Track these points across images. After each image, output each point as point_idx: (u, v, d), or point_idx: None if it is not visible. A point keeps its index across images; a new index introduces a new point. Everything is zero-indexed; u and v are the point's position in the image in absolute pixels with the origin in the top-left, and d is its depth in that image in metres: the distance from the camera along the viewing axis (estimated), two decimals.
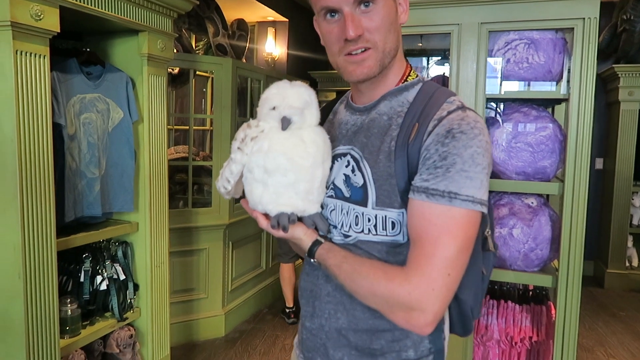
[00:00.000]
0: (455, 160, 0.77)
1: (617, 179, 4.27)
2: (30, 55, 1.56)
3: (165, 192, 2.25)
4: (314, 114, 0.89)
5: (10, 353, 1.63)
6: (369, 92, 0.94)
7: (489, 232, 0.98)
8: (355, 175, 0.91)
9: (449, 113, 0.82)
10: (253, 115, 3.85)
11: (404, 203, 0.84)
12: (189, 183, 3.18)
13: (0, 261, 1.60)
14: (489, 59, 1.93)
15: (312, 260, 0.93)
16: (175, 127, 3.93)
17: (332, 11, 0.86)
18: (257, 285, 3.81)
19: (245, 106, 3.60)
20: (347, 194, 0.92)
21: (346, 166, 0.93)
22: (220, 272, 3.28)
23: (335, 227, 0.94)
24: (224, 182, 0.94)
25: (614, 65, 4.14)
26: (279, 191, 0.87)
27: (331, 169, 0.94)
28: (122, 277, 2.09)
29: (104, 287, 2.02)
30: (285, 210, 0.89)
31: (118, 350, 2.10)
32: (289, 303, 3.52)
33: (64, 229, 1.84)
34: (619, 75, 4.11)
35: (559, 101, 2.15)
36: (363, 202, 0.89)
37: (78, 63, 1.90)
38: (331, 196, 0.95)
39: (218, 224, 3.21)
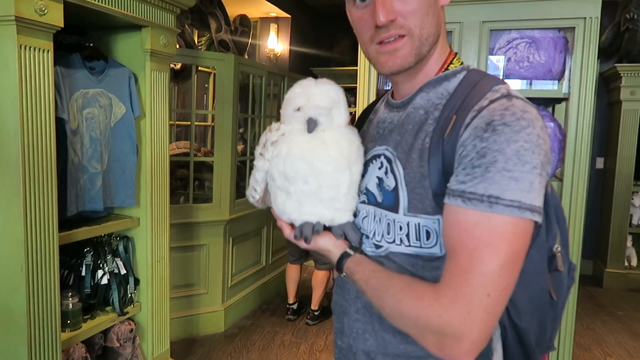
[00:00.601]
0: (496, 158, 0.65)
1: (617, 178, 4.28)
2: (34, 50, 1.56)
3: (166, 188, 2.26)
4: (343, 113, 0.83)
5: (12, 345, 1.64)
6: (406, 84, 0.84)
7: (559, 249, 0.81)
8: (387, 177, 0.80)
9: (491, 102, 0.70)
10: (255, 111, 3.86)
11: (440, 209, 0.72)
12: (190, 179, 3.19)
13: (3, 255, 1.61)
14: (491, 57, 1.94)
15: (341, 274, 0.84)
16: (176, 122, 3.94)
17: None
18: (257, 281, 3.83)
19: (247, 102, 3.61)
20: (379, 199, 0.82)
21: (379, 168, 0.83)
22: (221, 268, 3.30)
23: (367, 236, 0.84)
24: (251, 192, 0.89)
25: (616, 65, 4.14)
26: (302, 200, 0.81)
27: (365, 172, 0.85)
28: (123, 271, 2.10)
29: (105, 281, 2.03)
30: (310, 220, 0.82)
31: (118, 344, 2.12)
32: (290, 299, 3.54)
33: (65, 223, 1.85)
34: (621, 75, 4.11)
35: (559, 100, 2.16)
36: (394, 208, 0.79)
37: (81, 58, 1.91)
38: (364, 202, 0.85)
39: (219, 220, 3.22)
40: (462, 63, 0.83)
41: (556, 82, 2.01)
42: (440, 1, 0.80)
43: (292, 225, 0.86)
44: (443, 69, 0.82)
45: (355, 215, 0.86)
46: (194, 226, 3.14)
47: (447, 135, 0.72)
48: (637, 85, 4.12)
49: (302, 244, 0.85)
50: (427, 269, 0.76)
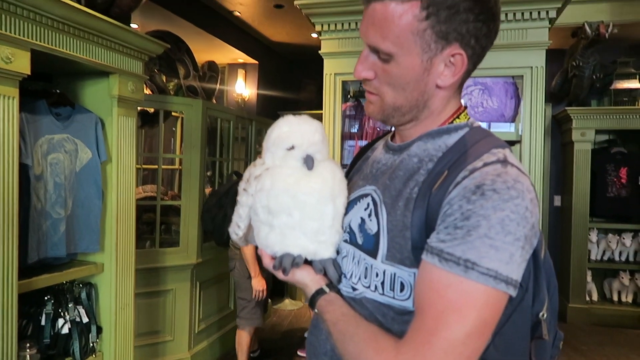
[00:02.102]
0: (480, 223, 0.64)
1: (574, 215, 4.45)
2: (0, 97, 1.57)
3: (132, 232, 2.23)
4: (327, 148, 0.84)
5: None
6: (408, 130, 0.83)
7: (544, 316, 0.79)
8: (370, 220, 0.80)
9: (485, 165, 0.68)
10: (222, 154, 3.88)
11: (417, 262, 0.70)
12: (156, 222, 3.16)
13: None
14: None
15: (313, 310, 0.83)
16: (143, 166, 3.92)
17: None
18: (225, 326, 3.74)
19: (215, 146, 3.64)
20: (360, 241, 0.81)
21: (365, 209, 0.82)
22: (187, 314, 3.22)
23: (345, 276, 0.83)
24: (234, 228, 0.88)
25: (566, 108, 4.39)
26: (285, 232, 0.80)
27: (351, 209, 0.84)
28: (85, 319, 2.04)
29: (65, 330, 1.96)
30: (292, 252, 0.81)
31: None
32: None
33: (26, 270, 1.80)
34: (572, 117, 4.36)
35: (513, 142, 2.28)
36: (373, 253, 0.78)
37: (47, 104, 1.92)
38: (345, 240, 0.84)
39: (185, 264, 3.17)
40: (468, 119, 0.82)
41: (513, 124, 2.13)
42: (437, 82, 0.77)
43: (272, 257, 0.85)
44: (449, 122, 0.80)
45: (337, 252, 0.85)
46: (160, 271, 3.08)
47: (435, 189, 0.71)
48: (586, 127, 4.36)
49: (279, 275, 0.84)
50: (396, 322, 0.75)
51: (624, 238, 4.43)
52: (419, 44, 0.73)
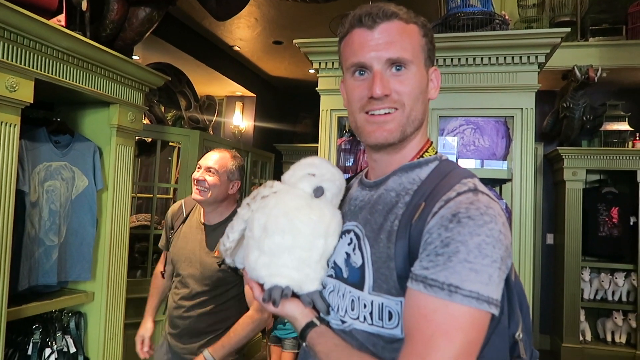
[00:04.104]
0: (458, 249, 0.68)
1: (566, 253, 4.46)
2: (1, 124, 1.59)
3: (124, 261, 2.23)
4: (338, 201, 0.91)
5: None
6: (383, 164, 0.89)
7: (520, 336, 0.83)
8: (355, 254, 0.83)
9: (458, 194, 0.73)
10: None
11: (403, 291, 0.74)
12: (149, 252, 3.14)
13: None
14: (447, 138, 2.10)
15: (303, 344, 0.85)
16: (138, 195, 3.93)
17: (362, 68, 0.84)
18: None
19: None
20: (345, 275, 0.84)
21: (348, 244, 0.85)
22: None
23: (333, 309, 0.86)
24: (224, 239, 0.91)
25: (558, 148, 4.47)
26: (275, 253, 0.83)
27: (335, 246, 0.88)
28: (73, 349, 2.01)
29: None
30: (279, 283, 0.84)
31: None
32: None
33: (15, 297, 1.79)
34: (563, 157, 4.43)
35: (505, 181, 2.32)
36: (360, 285, 0.80)
37: (47, 132, 1.95)
38: (331, 275, 0.87)
39: None
40: (436, 152, 0.89)
41: (505, 162, 2.18)
42: (429, 94, 0.89)
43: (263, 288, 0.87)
44: (418, 156, 0.87)
45: (323, 286, 0.87)
46: None
47: (414, 220, 0.75)
48: (578, 166, 4.43)
49: (270, 307, 0.85)
50: (387, 350, 0.77)
51: (616, 277, 4.43)
52: (422, 57, 0.86)
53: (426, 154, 0.88)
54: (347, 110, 0.90)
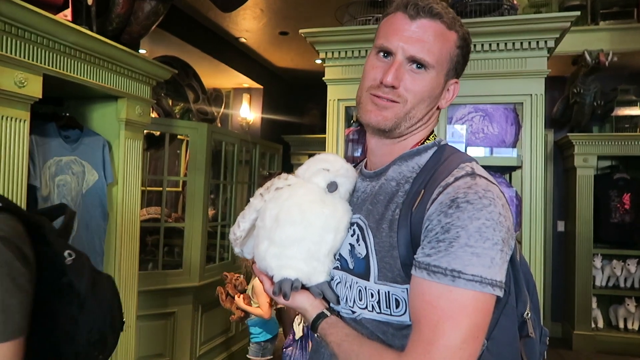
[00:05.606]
0: (459, 234, 0.69)
1: (578, 241, 4.42)
2: (11, 120, 1.61)
3: (136, 254, 2.25)
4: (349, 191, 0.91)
5: None
6: (381, 154, 0.90)
7: (529, 315, 0.84)
8: (359, 245, 0.84)
9: (456, 179, 0.74)
10: (226, 177, 3.91)
11: (408, 278, 0.75)
12: (159, 244, 3.17)
13: None
14: (456, 126, 2.08)
15: (315, 334, 0.86)
16: (147, 188, 3.95)
17: (387, 53, 0.84)
18: (227, 350, 3.72)
19: (219, 168, 3.67)
20: (351, 266, 0.85)
21: (352, 235, 0.86)
22: (189, 337, 3.20)
23: (342, 300, 0.87)
24: (235, 227, 0.92)
25: (568, 134, 4.41)
26: (285, 244, 0.83)
27: None
28: None
29: None
30: (289, 276, 0.84)
31: None
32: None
33: None
34: (574, 143, 4.38)
35: (514, 168, 2.31)
36: (366, 275, 0.81)
37: (57, 127, 1.96)
38: (337, 267, 0.88)
39: (188, 286, 3.17)
40: (436, 138, 0.90)
41: (514, 149, 2.16)
42: (440, 103, 0.89)
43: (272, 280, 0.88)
44: (420, 143, 0.88)
45: (331, 278, 0.88)
46: (162, 293, 3.08)
47: (415, 208, 0.76)
48: (588, 152, 4.38)
49: (280, 300, 0.86)
50: (397, 337, 0.78)
51: (628, 264, 4.40)
52: (447, 66, 0.86)
53: (427, 141, 0.89)
54: (360, 83, 0.90)
